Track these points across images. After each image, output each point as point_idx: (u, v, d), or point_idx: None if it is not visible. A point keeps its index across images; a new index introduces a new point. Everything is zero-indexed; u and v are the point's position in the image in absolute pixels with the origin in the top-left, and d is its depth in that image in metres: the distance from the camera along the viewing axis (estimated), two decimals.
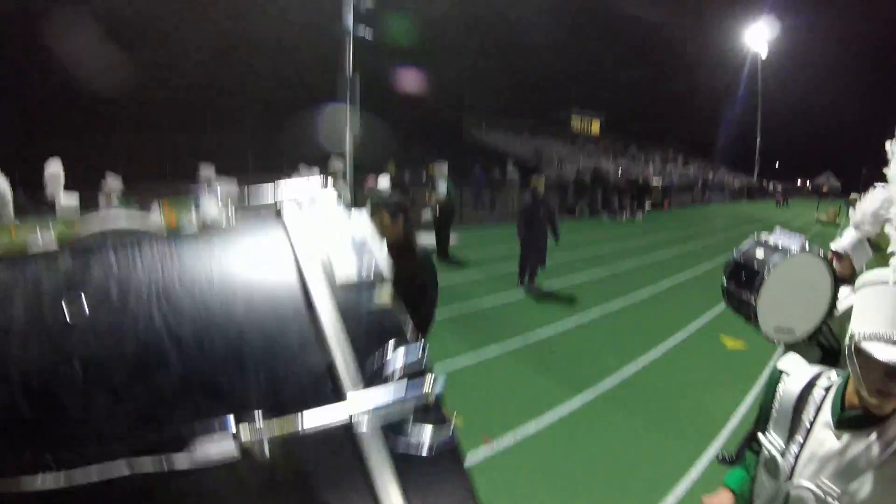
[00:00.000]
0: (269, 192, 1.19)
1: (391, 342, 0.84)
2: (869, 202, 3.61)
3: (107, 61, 22.27)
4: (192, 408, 0.77)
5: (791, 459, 1.60)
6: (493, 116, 40.52)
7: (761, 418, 1.78)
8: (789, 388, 1.68)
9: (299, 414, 0.74)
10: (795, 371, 1.72)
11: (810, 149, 61.40)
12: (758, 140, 51.16)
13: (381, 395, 0.78)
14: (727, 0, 56.06)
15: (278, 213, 1.10)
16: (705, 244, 16.40)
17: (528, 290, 9.03)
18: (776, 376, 1.75)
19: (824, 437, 1.54)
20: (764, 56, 51.98)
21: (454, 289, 8.98)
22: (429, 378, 0.80)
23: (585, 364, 6.17)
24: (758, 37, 51.80)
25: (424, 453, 0.74)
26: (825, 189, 47.31)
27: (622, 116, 53.00)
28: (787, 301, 3.21)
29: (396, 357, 0.82)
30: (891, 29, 55.21)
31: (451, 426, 0.78)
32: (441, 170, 11.77)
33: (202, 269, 0.95)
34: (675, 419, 4.97)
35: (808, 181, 60.25)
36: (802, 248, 3.19)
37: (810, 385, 1.63)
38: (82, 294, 0.87)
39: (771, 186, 46.04)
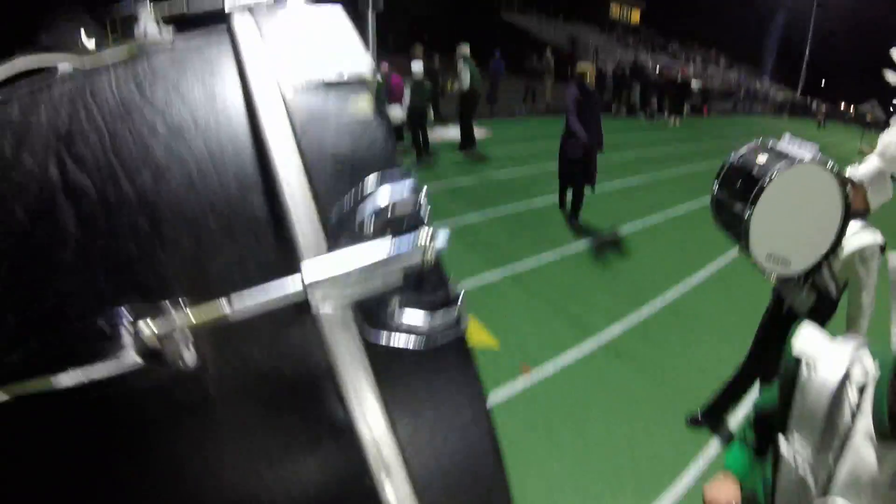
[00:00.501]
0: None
1: (371, 174, 0.58)
2: None
3: None
4: (84, 294, 0.55)
5: (824, 474, 1.34)
6: None
7: (776, 413, 1.48)
8: (817, 383, 1.36)
9: (229, 296, 0.52)
10: (821, 358, 1.38)
11: (860, 72, 58.12)
12: (807, 52, 48.07)
13: (353, 259, 0.53)
14: None
15: (227, 24, 0.79)
16: None
17: (571, 220, 7.50)
18: (793, 362, 1.42)
19: (866, 452, 1.27)
20: None
21: (481, 190, 8.48)
22: (425, 231, 0.55)
23: (625, 284, 5.83)
24: None
25: (416, 346, 0.54)
26: (870, 117, 45.31)
27: (665, 8, 49.77)
28: (786, 222, 2.74)
29: (378, 197, 0.57)
30: None
31: (458, 307, 0.56)
32: (463, 53, 10.71)
33: (117, 102, 0.66)
34: (720, 356, 4.55)
35: (852, 106, 57.80)
36: (815, 160, 2.62)
37: (842, 381, 1.33)
38: None
39: (814, 105, 43.81)
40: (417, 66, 9.92)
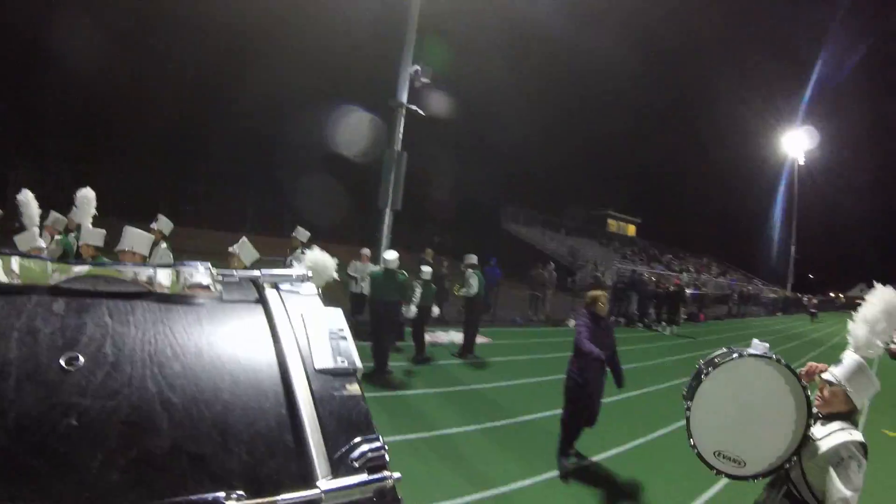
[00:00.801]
0: (252, 270, 1.25)
1: (358, 432, 0.94)
2: (874, 307, 2.78)
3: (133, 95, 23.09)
4: (184, 478, 0.81)
5: None
6: (530, 212, 40.90)
7: None
8: None
9: (278, 497, 0.84)
10: None
11: (845, 261, 60.61)
12: (792, 250, 50.42)
13: (347, 483, 0.89)
14: (767, 107, 56.82)
15: (259, 292, 1.18)
16: None
17: (562, 467, 5.87)
18: None
19: None
20: (801, 163, 51.79)
21: (475, 399, 8.40)
22: (387, 472, 0.93)
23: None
24: (796, 145, 51.81)
25: None
26: (859, 302, 46.21)
27: (658, 221, 53.29)
28: (735, 420, 2.59)
29: (361, 448, 0.93)
30: None
31: None
32: (471, 262, 11.42)
33: (191, 339, 0.99)
34: None
35: (842, 294, 59.12)
36: (753, 354, 2.62)
37: None
38: (79, 342, 0.88)
39: (805, 300, 44.96)
40: (427, 269, 10.57)
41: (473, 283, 11.14)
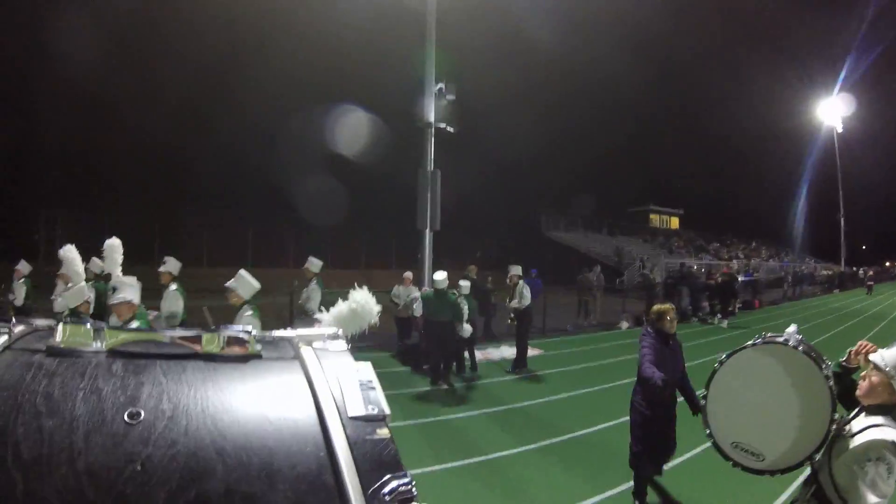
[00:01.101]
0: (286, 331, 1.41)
1: (388, 471, 1.01)
2: None
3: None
4: None
5: None
6: (570, 215, 40.55)
7: None
8: None
9: None
10: None
11: None
12: (841, 222, 48.51)
13: None
14: (802, 79, 54.93)
15: (295, 350, 1.30)
16: None
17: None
18: None
19: None
20: (839, 131, 49.93)
21: (529, 417, 8.21)
22: None
23: None
24: (833, 114, 50.38)
25: None
26: None
27: (701, 211, 52.06)
28: (751, 411, 2.44)
29: (392, 484, 0.99)
30: None
31: None
32: (515, 274, 11.29)
33: (237, 393, 1.12)
34: None
35: None
36: (773, 342, 2.46)
37: None
38: (139, 399, 1.02)
39: (861, 272, 43.22)
40: (465, 284, 10.45)
41: (527, 294, 10.98)
